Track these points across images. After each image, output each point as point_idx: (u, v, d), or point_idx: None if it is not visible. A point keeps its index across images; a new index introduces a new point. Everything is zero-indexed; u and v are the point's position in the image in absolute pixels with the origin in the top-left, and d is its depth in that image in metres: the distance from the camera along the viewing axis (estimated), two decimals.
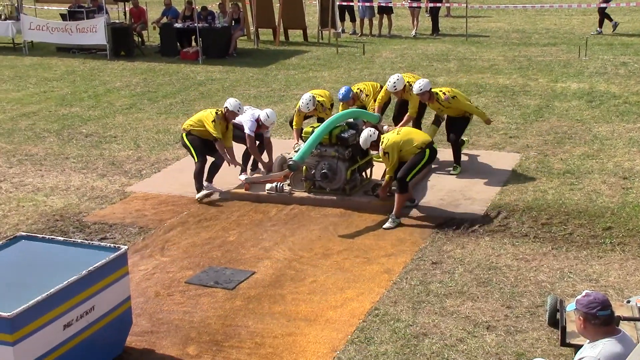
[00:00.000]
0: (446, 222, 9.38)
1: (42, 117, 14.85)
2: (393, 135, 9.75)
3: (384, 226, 9.36)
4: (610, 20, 22.28)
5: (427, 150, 9.61)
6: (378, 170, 10.66)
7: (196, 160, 10.38)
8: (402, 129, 10.27)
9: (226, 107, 10.48)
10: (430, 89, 10.80)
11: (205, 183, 10.37)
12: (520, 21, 25.81)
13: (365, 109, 11.42)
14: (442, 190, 10.42)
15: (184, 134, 10.54)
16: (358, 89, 11.87)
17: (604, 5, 22.16)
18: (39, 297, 5.93)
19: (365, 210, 9.85)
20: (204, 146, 10.40)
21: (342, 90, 11.63)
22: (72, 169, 11.71)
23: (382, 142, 9.64)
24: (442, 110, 11.01)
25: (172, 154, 12.32)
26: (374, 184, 10.27)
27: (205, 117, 10.43)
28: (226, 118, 10.45)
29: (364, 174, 10.54)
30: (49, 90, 17.18)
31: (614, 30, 22.17)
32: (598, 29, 22.47)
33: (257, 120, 10.69)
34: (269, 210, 9.94)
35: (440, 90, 10.91)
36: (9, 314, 5.65)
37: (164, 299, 7.74)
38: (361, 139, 9.87)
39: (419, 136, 9.86)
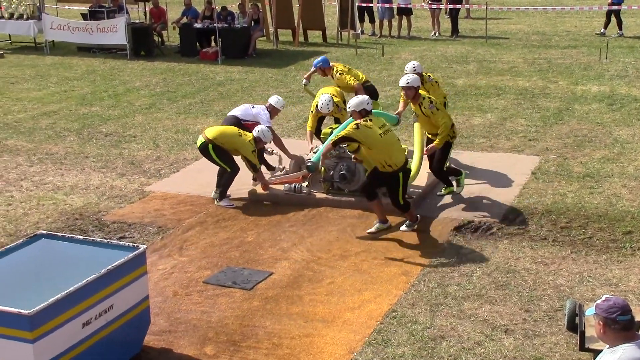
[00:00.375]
0: (464, 224, 9.35)
1: (63, 116, 14.95)
2: (376, 129, 8.89)
3: (401, 228, 9.31)
4: (620, 28, 22.19)
5: (400, 175, 8.98)
6: None
7: (229, 170, 10.18)
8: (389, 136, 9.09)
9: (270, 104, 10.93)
10: (418, 87, 9.95)
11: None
12: (541, 23, 25.69)
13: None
14: (460, 192, 10.38)
15: (210, 146, 10.08)
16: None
17: (615, 7, 22.08)
18: (58, 295, 5.97)
19: (385, 211, 9.82)
20: (231, 157, 10.30)
21: (319, 58, 12.49)
22: (91, 168, 11.77)
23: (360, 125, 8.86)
24: (418, 116, 10.09)
25: (191, 154, 12.36)
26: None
27: (242, 146, 10.00)
28: (256, 142, 10.19)
29: None
30: (70, 90, 17.28)
31: (618, 36, 22.08)
32: (602, 29, 22.48)
33: (268, 107, 10.81)
34: (287, 211, 9.95)
35: (429, 97, 9.97)
36: (29, 311, 5.69)
37: (182, 299, 7.76)
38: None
39: (399, 154, 9.04)
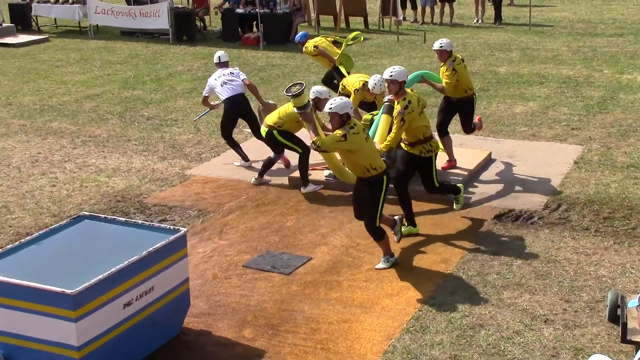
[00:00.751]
0: (505, 213, 9.27)
1: (106, 99, 15.11)
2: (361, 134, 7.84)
3: (376, 266, 8.10)
4: None
5: (385, 178, 7.91)
6: (437, 160, 10.56)
7: (301, 151, 10.11)
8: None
9: (316, 96, 9.78)
10: (403, 82, 8.72)
11: (265, 177, 10.39)
12: (586, 11, 25.29)
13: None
14: (501, 181, 10.31)
15: (275, 132, 10.06)
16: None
17: None
18: (100, 276, 6.06)
19: (423, 199, 9.78)
20: (298, 138, 10.20)
21: (300, 34, 13.38)
22: (133, 151, 11.89)
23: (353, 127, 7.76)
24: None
25: None
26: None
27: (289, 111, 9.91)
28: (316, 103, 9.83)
29: None
30: (113, 73, 17.46)
31: None
32: None
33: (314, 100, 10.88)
34: (327, 197, 9.96)
35: (409, 102, 8.58)
36: (72, 291, 5.78)
37: (221, 282, 7.82)
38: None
39: (377, 156, 8.00)
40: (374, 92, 10.75)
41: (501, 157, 11.17)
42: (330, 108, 7.76)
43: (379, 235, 7.99)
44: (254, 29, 21.20)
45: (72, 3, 22.77)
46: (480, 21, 23.06)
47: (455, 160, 10.60)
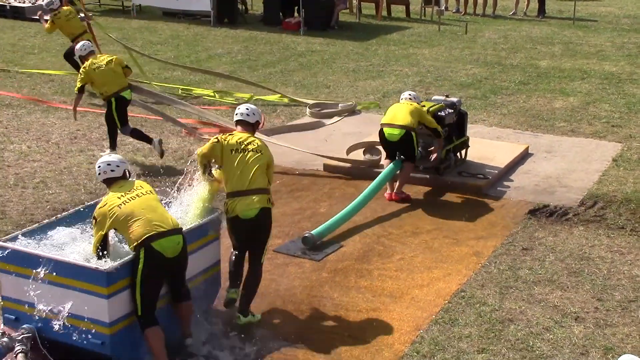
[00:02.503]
0: (540, 208, 9.19)
1: (145, 79, 15.18)
2: None
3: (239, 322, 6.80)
4: None
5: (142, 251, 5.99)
6: (473, 152, 10.52)
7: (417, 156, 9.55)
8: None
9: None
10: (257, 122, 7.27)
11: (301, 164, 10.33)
12: (632, 6, 24.90)
13: None
14: (537, 175, 10.22)
15: (413, 133, 9.36)
16: None
17: None
18: (133, 254, 6.12)
19: (457, 191, 9.75)
20: None
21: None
22: (170, 132, 11.97)
23: None
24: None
25: (268, 122, 12.44)
26: None
27: None
28: None
29: (458, 154, 10.40)
30: (154, 54, 17.54)
31: None
32: None
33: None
34: (361, 185, 9.93)
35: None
36: (105, 267, 5.86)
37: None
38: None
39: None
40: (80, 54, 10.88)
41: (539, 151, 11.07)
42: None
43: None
44: (295, 14, 21.19)
45: None
46: (514, 13, 22.84)
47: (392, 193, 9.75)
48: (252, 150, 6.90)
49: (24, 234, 6.45)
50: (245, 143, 6.91)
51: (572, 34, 20.08)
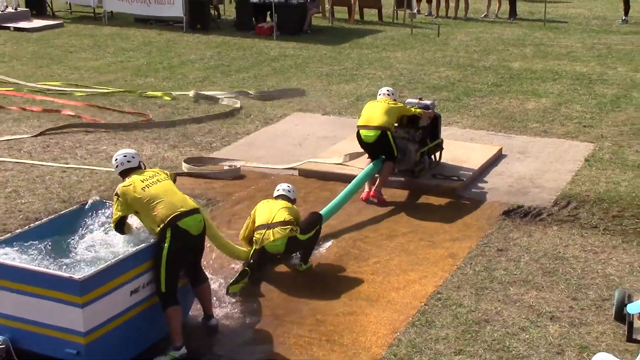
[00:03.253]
0: (514, 209, 9.25)
1: (118, 86, 15.11)
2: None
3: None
4: (626, 13, 22.02)
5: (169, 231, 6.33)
6: (447, 154, 10.57)
7: (397, 155, 9.70)
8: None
9: None
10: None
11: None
12: (602, 7, 25.16)
13: None
14: (511, 176, 10.29)
15: (388, 133, 9.53)
16: None
17: None
18: (108, 262, 6.09)
19: (432, 193, 9.79)
20: None
21: None
22: (144, 139, 11.91)
23: None
24: None
25: (242, 127, 12.43)
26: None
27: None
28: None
29: (433, 157, 10.45)
30: (126, 60, 17.48)
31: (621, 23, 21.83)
32: (624, 17, 22.08)
33: None
34: (336, 189, 9.93)
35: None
36: (79, 276, 5.82)
37: (228, 271, 7.84)
38: None
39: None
40: None
41: (512, 152, 11.14)
42: None
43: (164, 302, 6.41)
44: (268, 18, 21.18)
45: None
46: (488, 15, 23.02)
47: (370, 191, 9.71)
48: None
49: None
50: None
51: (543, 36, 20.25)
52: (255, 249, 7.72)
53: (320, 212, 8.30)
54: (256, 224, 7.85)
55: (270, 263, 7.91)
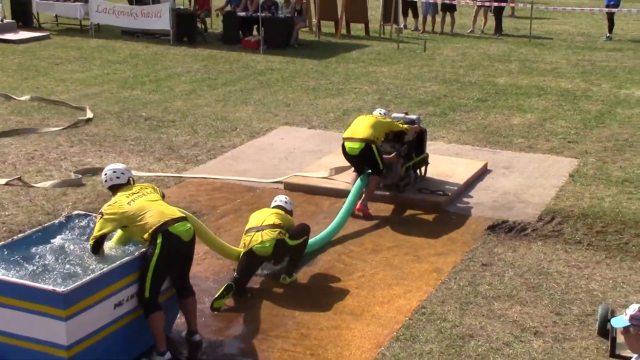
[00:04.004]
0: (498, 224, 9.29)
1: (104, 98, 15.10)
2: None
3: None
4: (610, 30, 22.34)
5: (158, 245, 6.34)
6: (432, 169, 10.61)
7: (383, 169, 9.69)
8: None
9: None
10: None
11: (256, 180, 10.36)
12: (587, 25, 25.37)
13: None
14: (495, 191, 10.33)
15: (373, 146, 9.53)
16: None
17: (612, 10, 22.06)
18: (92, 275, 6.07)
19: (417, 208, 9.81)
20: None
21: None
22: (130, 151, 11.89)
23: None
24: None
25: (228, 141, 12.43)
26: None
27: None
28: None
29: (418, 171, 10.48)
30: (112, 73, 17.46)
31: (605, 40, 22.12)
32: (608, 34, 22.35)
33: None
34: (322, 203, 9.97)
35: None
36: (63, 289, 5.79)
37: (212, 285, 7.82)
38: None
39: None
40: None
41: (497, 167, 11.19)
42: None
43: (146, 308, 6.42)
44: (255, 32, 21.23)
45: (74, 1, 22.75)
46: (472, 30, 23.17)
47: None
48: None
49: None
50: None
51: (528, 52, 20.39)
52: (243, 252, 7.72)
53: (308, 225, 8.28)
54: (246, 228, 7.90)
55: (255, 271, 7.88)
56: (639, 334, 4.65)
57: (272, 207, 8.25)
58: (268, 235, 7.71)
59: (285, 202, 8.35)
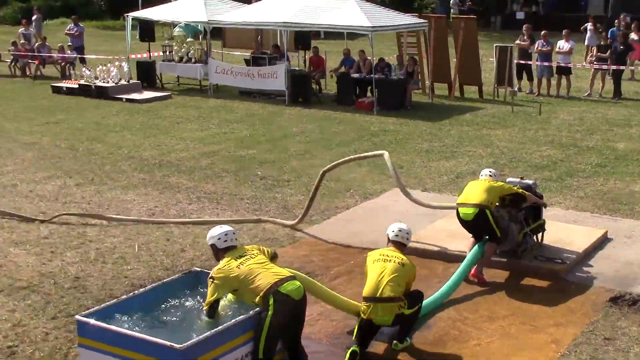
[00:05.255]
0: (622, 296, 8.91)
1: (222, 157, 15.51)
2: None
3: None
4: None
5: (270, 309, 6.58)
6: (549, 236, 10.34)
7: (500, 236, 9.48)
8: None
9: None
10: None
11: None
12: None
13: None
14: (618, 261, 9.95)
15: (487, 211, 9.36)
16: None
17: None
18: (208, 332, 6.16)
19: (535, 275, 9.54)
20: None
21: None
22: (246, 210, 12.10)
23: None
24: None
25: (342, 202, 12.49)
26: None
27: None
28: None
29: (535, 237, 10.23)
30: (229, 132, 17.93)
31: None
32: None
33: None
34: (436, 267, 9.84)
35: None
36: (180, 345, 5.89)
37: (325, 347, 7.79)
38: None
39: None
40: None
41: (618, 236, 10.80)
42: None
43: None
44: (369, 93, 21.45)
45: (195, 62, 23.65)
46: (591, 94, 22.66)
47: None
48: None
49: (103, 310, 6.56)
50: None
51: None
52: (362, 318, 7.66)
53: (422, 292, 8.16)
54: (364, 293, 7.73)
55: (374, 336, 7.80)
56: None
57: (392, 241, 8.04)
58: (388, 310, 7.59)
59: (406, 234, 8.10)
